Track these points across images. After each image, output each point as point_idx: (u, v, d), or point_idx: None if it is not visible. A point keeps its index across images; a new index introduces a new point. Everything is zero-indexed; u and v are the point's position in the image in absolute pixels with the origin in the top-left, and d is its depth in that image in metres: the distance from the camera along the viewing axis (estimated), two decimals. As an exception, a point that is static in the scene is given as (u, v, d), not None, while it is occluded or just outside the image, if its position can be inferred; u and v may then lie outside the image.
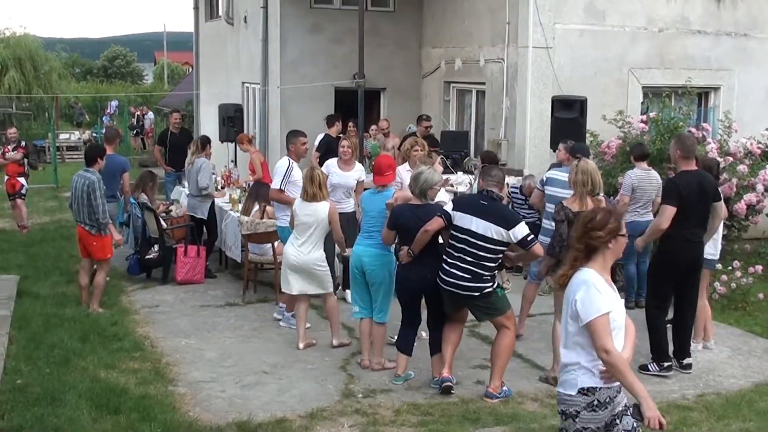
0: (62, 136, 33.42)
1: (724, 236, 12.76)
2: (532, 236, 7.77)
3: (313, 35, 17.29)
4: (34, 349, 8.70)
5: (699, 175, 8.67)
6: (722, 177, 12.48)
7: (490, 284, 7.73)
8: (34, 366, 8.17)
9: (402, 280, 8.22)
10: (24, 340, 8.98)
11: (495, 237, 7.59)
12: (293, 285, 9.24)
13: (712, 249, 9.39)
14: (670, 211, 8.45)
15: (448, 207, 7.90)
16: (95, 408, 7.11)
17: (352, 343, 9.38)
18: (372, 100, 17.84)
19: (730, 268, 11.31)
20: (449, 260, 7.78)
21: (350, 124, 14.86)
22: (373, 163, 10.34)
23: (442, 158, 10.14)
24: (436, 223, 7.82)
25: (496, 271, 8.06)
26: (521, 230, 7.59)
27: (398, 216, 8.12)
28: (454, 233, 7.75)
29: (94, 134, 35.59)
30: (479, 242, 7.62)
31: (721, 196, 8.95)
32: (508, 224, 7.59)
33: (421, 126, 14.71)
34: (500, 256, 7.74)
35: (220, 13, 21.70)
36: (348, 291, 10.63)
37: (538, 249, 7.78)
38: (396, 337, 8.64)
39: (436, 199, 8.38)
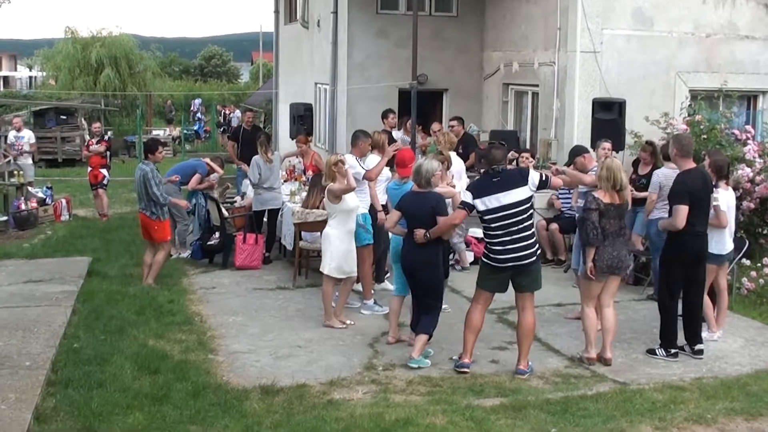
0: (154, 132, 34.85)
1: (764, 235, 13.18)
2: (546, 174, 8.65)
3: (379, 39, 18.11)
4: (94, 319, 9.60)
5: (701, 171, 9.20)
6: (759, 177, 12.85)
7: (537, 247, 8.49)
8: (91, 333, 9.05)
9: (411, 277, 8.91)
10: (86, 311, 9.88)
11: (523, 197, 8.28)
12: None
13: (720, 245, 9.75)
14: (683, 211, 8.92)
15: (467, 197, 8.45)
16: (138, 368, 7.97)
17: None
18: (435, 100, 18.57)
19: (759, 264, 11.63)
20: (495, 242, 8.35)
21: (408, 122, 15.56)
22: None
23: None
24: (461, 215, 8.49)
25: None
26: (534, 176, 8.40)
27: (403, 201, 8.93)
28: (487, 217, 8.35)
29: (185, 131, 37.07)
30: (514, 210, 8.26)
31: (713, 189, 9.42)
32: (524, 179, 8.35)
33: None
34: (533, 214, 8.47)
35: (297, 17, 22.67)
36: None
37: (556, 181, 8.85)
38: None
39: (458, 188, 9.03)
